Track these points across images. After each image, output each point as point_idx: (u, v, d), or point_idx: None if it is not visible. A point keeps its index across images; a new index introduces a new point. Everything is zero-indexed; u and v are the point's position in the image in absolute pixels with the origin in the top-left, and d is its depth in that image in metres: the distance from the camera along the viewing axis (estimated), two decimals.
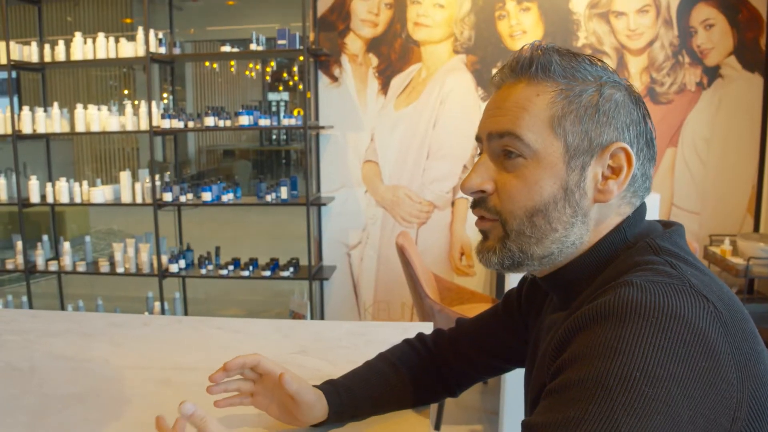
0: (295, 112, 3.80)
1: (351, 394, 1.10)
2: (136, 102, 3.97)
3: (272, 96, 13.21)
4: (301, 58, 3.79)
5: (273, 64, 12.63)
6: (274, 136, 12.89)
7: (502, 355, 1.15)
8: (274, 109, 12.72)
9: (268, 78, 12.97)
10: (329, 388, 1.09)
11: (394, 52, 4.01)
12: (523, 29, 3.85)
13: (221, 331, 1.63)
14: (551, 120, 0.81)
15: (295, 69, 12.45)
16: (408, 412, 1.17)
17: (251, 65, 12.05)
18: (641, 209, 0.86)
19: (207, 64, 11.57)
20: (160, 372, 1.36)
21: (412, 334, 1.27)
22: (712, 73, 3.78)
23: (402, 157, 4.11)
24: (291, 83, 12.82)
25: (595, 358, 0.64)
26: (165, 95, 4.86)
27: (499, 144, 0.84)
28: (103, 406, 1.19)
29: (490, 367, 1.18)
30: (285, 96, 13.15)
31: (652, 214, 3.26)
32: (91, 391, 1.26)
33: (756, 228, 3.87)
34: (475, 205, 0.88)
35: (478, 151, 0.89)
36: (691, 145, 3.85)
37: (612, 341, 0.64)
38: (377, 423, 1.13)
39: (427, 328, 1.56)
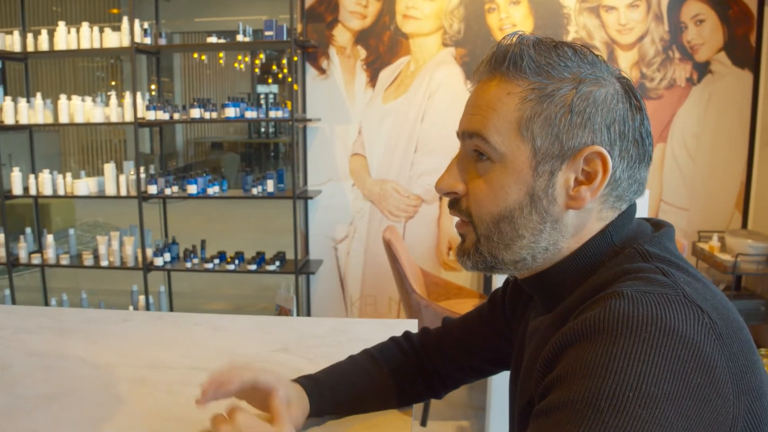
0: (289, 105, 3.73)
1: (333, 391, 1.07)
2: (125, 93, 3.92)
3: (261, 88, 13.13)
4: (289, 50, 3.74)
5: (262, 56, 12.55)
6: (263, 129, 12.82)
7: (488, 357, 1.13)
8: (262, 101, 12.65)
9: (257, 70, 12.88)
10: (310, 384, 1.06)
11: (382, 45, 3.97)
12: (512, 23, 3.81)
13: (201, 327, 1.59)
14: (519, 122, 0.77)
15: (285, 61, 12.36)
16: (390, 410, 1.14)
17: (240, 57, 11.96)
18: (629, 211, 0.82)
19: (195, 55, 11.48)
20: (136, 370, 1.32)
21: (396, 332, 1.24)
22: (702, 69, 3.76)
23: (390, 151, 4.07)
24: (280, 76, 12.74)
25: (585, 378, 0.61)
26: (153, 87, 4.80)
27: (470, 144, 0.81)
28: (75, 407, 1.16)
29: (476, 370, 1.15)
30: (274, 89, 13.07)
31: (640, 210, 3.24)
32: (64, 391, 1.22)
33: (744, 224, 3.87)
34: (450, 206, 0.86)
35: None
36: (680, 141, 3.84)
37: (603, 359, 0.61)
38: (358, 421, 1.10)
39: (412, 325, 1.53)
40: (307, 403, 1.04)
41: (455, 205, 0.85)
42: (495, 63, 0.79)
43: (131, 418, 1.11)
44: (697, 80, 3.77)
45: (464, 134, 0.82)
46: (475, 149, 0.80)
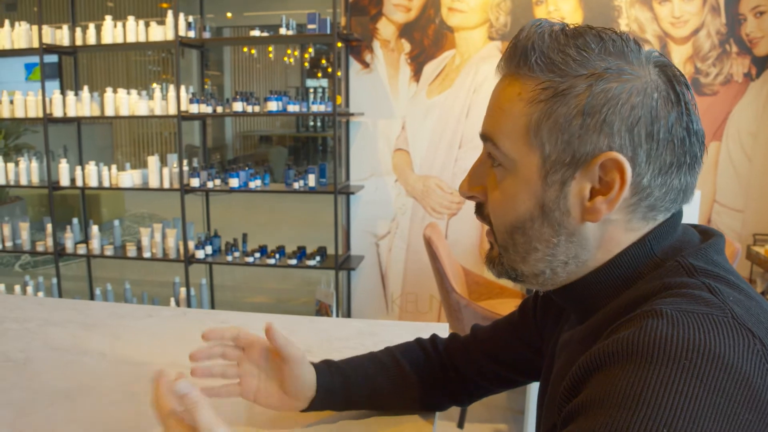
0: (339, 100, 3.68)
1: (343, 373, 1.04)
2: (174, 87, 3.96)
3: (311, 82, 13.19)
4: (339, 44, 3.70)
5: (311, 50, 12.61)
6: (311, 123, 12.87)
7: (516, 366, 1.06)
8: (311, 95, 12.72)
9: (306, 64, 12.95)
10: (320, 364, 1.05)
11: (427, 38, 3.90)
12: (561, 16, 3.70)
13: (225, 325, 1.56)
14: (528, 126, 0.68)
15: (333, 56, 12.35)
16: (411, 416, 1.09)
17: (289, 51, 12.03)
18: (673, 220, 0.72)
19: (245, 49, 11.57)
20: (156, 369, 1.29)
21: (424, 336, 1.19)
22: (762, 64, 3.59)
23: (433, 147, 4.00)
24: (330, 70, 12.78)
25: (613, 408, 0.53)
26: (207, 81, 4.85)
27: (486, 147, 0.75)
28: (90, 405, 1.14)
29: (502, 379, 1.09)
30: (324, 83, 13.12)
31: (692, 211, 3.11)
32: (81, 388, 1.20)
33: None
34: (475, 211, 0.80)
35: None
36: (736, 140, 3.67)
37: (634, 388, 0.53)
38: (378, 425, 1.06)
39: (443, 328, 1.47)
40: (314, 380, 1.01)
41: (480, 210, 0.79)
42: (507, 58, 0.71)
43: (145, 420, 1.09)
44: (755, 75, 3.60)
45: (482, 136, 0.75)
46: (489, 154, 0.74)
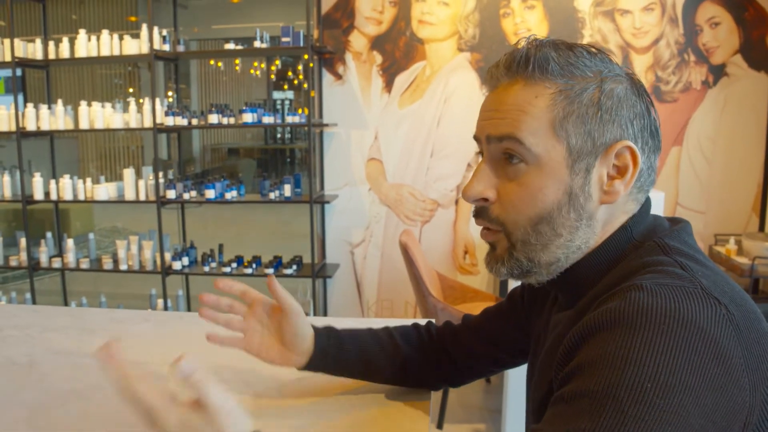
0: (300, 111, 3.77)
1: (338, 335, 1.13)
2: (141, 100, 3.97)
3: (277, 95, 13.21)
4: (306, 56, 3.78)
5: (278, 62, 12.64)
6: (278, 135, 12.89)
7: (506, 346, 1.14)
8: (278, 107, 12.74)
9: (273, 77, 12.96)
10: (321, 328, 1.13)
11: (398, 50, 4.00)
12: (527, 27, 3.83)
13: (222, 328, 1.62)
14: (553, 122, 0.78)
15: (300, 67, 12.44)
16: (407, 408, 1.16)
17: (256, 64, 12.05)
18: (646, 205, 0.84)
19: (212, 62, 11.57)
20: (160, 368, 1.34)
21: None
22: (718, 72, 3.76)
23: (406, 156, 4.09)
24: (296, 82, 12.82)
25: (605, 368, 0.63)
26: (170, 93, 4.86)
27: (499, 148, 0.82)
28: (103, 402, 1.18)
29: (492, 359, 1.17)
30: (290, 95, 13.14)
31: (657, 213, 3.24)
32: (91, 387, 1.25)
33: (761, 227, 3.85)
34: (477, 215, 0.86)
35: (478, 150, 0.87)
36: (696, 144, 3.83)
37: (622, 350, 0.62)
38: (375, 417, 1.12)
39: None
40: (311, 334, 1.10)
41: (484, 213, 0.84)
42: (517, 67, 0.81)
43: None
44: (712, 83, 3.77)
45: (490, 138, 0.82)
46: (505, 152, 0.81)
